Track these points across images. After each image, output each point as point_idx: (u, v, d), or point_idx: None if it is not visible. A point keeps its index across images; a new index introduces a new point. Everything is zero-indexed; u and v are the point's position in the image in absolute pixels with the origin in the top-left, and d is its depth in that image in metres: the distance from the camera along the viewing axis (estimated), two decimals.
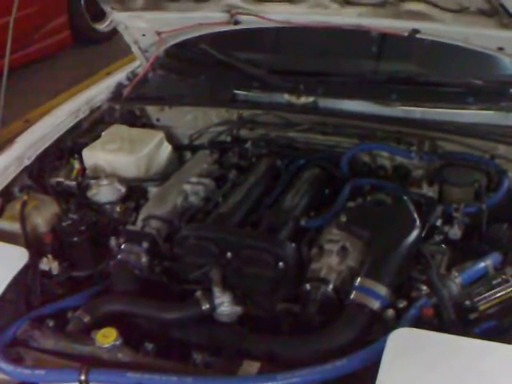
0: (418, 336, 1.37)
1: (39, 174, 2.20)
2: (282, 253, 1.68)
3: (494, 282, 1.59)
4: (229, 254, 1.71)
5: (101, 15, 6.56)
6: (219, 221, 1.84)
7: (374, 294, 1.56)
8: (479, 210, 1.86)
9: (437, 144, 2.08)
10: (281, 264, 1.66)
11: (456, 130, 2.09)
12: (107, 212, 2.04)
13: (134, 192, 2.14)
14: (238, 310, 1.69)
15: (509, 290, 1.56)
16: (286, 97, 2.36)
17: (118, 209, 2.05)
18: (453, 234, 1.83)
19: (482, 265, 1.65)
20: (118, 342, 1.51)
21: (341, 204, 1.90)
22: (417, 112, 2.18)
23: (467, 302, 1.58)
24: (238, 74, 2.44)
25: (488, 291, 1.58)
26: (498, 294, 1.57)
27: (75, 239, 1.90)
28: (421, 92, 2.22)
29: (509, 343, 1.37)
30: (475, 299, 1.57)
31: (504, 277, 1.59)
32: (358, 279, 1.61)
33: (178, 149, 2.42)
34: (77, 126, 2.41)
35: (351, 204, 1.89)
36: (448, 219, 1.86)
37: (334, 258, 1.70)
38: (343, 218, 1.79)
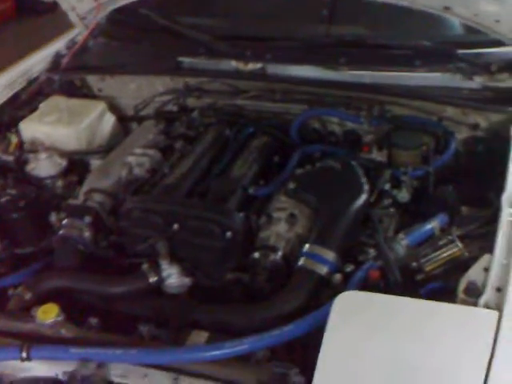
0: (363, 299, 1.35)
1: None
2: (229, 222, 1.64)
3: (440, 243, 1.60)
4: (175, 226, 1.66)
5: None
6: (165, 192, 1.78)
7: (321, 260, 1.55)
8: (426, 173, 1.86)
9: (386, 108, 2.06)
10: (228, 234, 1.62)
11: (404, 93, 2.07)
12: (48, 187, 1.96)
13: (76, 165, 2.05)
14: (186, 281, 1.65)
15: (454, 250, 1.57)
16: (234, 63, 2.28)
17: (59, 183, 1.96)
18: (401, 197, 1.83)
19: (428, 226, 1.65)
20: (59, 318, 1.44)
21: (289, 171, 1.87)
22: (365, 76, 2.15)
23: (414, 264, 1.58)
24: (183, 41, 2.35)
25: (434, 252, 1.58)
26: (444, 255, 1.57)
27: (14, 215, 1.81)
28: (369, 56, 2.18)
29: (453, 303, 1.37)
30: (422, 260, 1.57)
31: (450, 237, 1.60)
32: (306, 246, 1.59)
33: (123, 120, 2.35)
34: (14, 99, 2.29)
35: (300, 171, 1.86)
36: (396, 183, 1.86)
37: (282, 226, 1.68)
38: (291, 186, 1.76)
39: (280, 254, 1.62)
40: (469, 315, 1.29)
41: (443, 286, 1.50)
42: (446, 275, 1.54)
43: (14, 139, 2.09)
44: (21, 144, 2.10)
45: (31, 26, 6.22)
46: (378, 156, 1.95)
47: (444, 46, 2.17)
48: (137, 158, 1.95)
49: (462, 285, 1.37)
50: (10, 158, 2.03)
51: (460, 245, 1.57)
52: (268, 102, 2.18)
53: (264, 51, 2.24)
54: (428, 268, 1.56)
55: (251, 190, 1.81)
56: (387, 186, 1.84)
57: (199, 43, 2.32)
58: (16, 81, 2.34)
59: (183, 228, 1.66)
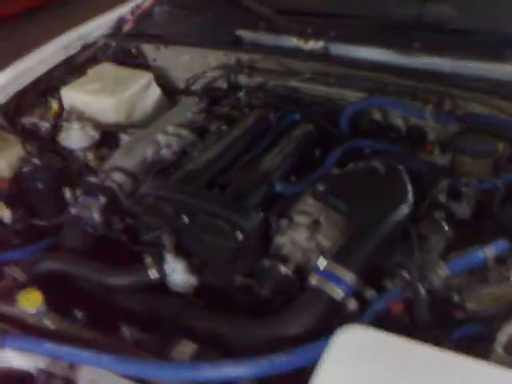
0: (371, 338, 1.11)
1: (17, 112, 2.04)
2: (241, 222, 1.45)
3: (491, 277, 1.31)
4: (185, 218, 1.51)
5: None
6: (184, 180, 1.62)
7: (337, 281, 1.32)
8: (494, 187, 1.56)
9: (458, 103, 1.75)
10: (239, 234, 1.45)
11: (485, 89, 1.75)
12: (77, 159, 1.87)
13: (112, 139, 1.95)
14: (192, 280, 1.50)
15: (505, 288, 1.28)
16: (294, 41, 2.08)
17: (89, 156, 1.88)
18: (461, 212, 1.55)
19: (480, 254, 1.35)
20: (41, 308, 1.34)
21: (327, 169, 1.65)
22: (441, 64, 1.84)
23: (456, 298, 1.32)
24: (244, 13, 2.16)
25: (480, 287, 1.30)
26: (492, 293, 1.29)
27: (35, 186, 1.74)
28: (449, 41, 1.88)
29: (487, 355, 1.10)
30: (465, 295, 1.30)
31: (505, 272, 1.31)
32: (323, 261, 1.37)
33: (173, 93, 2.21)
34: (66, 63, 2.22)
35: (335, 171, 1.63)
36: (456, 195, 1.57)
37: (302, 233, 1.46)
38: (320, 187, 1.53)
39: (292, 266, 1.42)
40: (502, 379, 1.04)
41: (483, 332, 1.22)
42: (491, 319, 1.25)
43: (54, 105, 2.02)
44: (61, 111, 2.03)
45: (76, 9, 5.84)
46: (440, 159, 1.67)
47: None
48: (167, 138, 1.81)
49: (503, 337, 1.11)
50: (46, 125, 1.97)
51: None
52: (324, 85, 1.95)
53: (327, 29, 2.00)
54: (470, 306, 1.29)
55: (278, 187, 1.62)
56: (443, 198, 1.57)
57: (260, 17, 2.12)
58: (72, 44, 2.27)
59: (193, 221, 1.50)
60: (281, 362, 1.18)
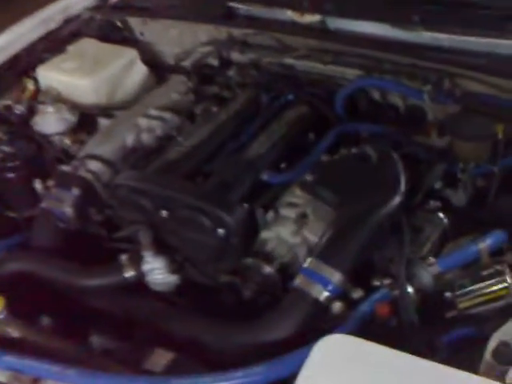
0: (354, 348, 1.01)
1: None
2: (224, 217, 1.32)
3: (484, 273, 1.20)
4: (164, 212, 1.38)
5: None
6: (165, 169, 1.49)
7: (321, 281, 1.22)
8: (491, 173, 1.43)
9: (458, 82, 1.60)
10: (220, 231, 1.32)
11: (486, 66, 1.59)
12: (53, 145, 1.74)
13: (92, 122, 1.81)
14: (173, 278, 1.39)
15: (501, 286, 1.17)
16: (289, 14, 1.92)
17: (66, 141, 1.74)
18: (456, 199, 1.43)
19: (473, 248, 1.24)
20: (3, 315, 1.23)
21: (317, 156, 1.51)
22: (441, 39, 1.69)
23: (448, 294, 1.20)
24: None
25: (473, 284, 1.19)
26: (486, 291, 1.18)
27: (7, 176, 1.62)
28: (451, 14, 1.71)
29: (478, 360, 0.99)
30: (456, 292, 1.19)
31: (499, 267, 1.19)
32: (308, 260, 1.26)
33: (162, 70, 2.06)
34: (46, 39, 2.07)
35: (325, 158, 1.49)
36: (452, 181, 1.45)
37: (288, 228, 1.35)
38: (308, 177, 1.40)
39: (276, 264, 1.31)
40: None
41: (475, 333, 1.12)
42: (482, 318, 1.15)
43: (30, 86, 1.88)
44: (37, 93, 1.88)
45: None
46: (439, 142, 1.54)
47: None
48: (149, 122, 1.67)
49: (493, 342, 1.00)
50: (21, 109, 1.83)
51: (510, 280, 1.16)
52: (320, 63, 1.79)
53: (324, 1, 1.84)
54: (462, 304, 1.18)
55: (265, 176, 1.48)
56: (438, 185, 1.45)
57: None
58: (53, 18, 2.11)
59: (173, 216, 1.38)
60: (259, 373, 1.09)
